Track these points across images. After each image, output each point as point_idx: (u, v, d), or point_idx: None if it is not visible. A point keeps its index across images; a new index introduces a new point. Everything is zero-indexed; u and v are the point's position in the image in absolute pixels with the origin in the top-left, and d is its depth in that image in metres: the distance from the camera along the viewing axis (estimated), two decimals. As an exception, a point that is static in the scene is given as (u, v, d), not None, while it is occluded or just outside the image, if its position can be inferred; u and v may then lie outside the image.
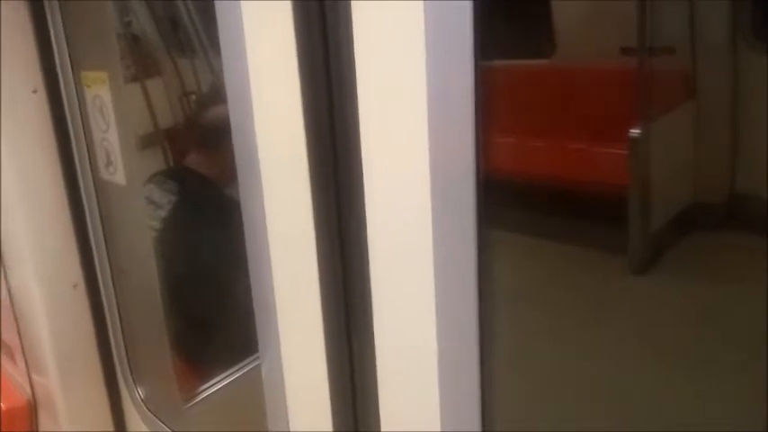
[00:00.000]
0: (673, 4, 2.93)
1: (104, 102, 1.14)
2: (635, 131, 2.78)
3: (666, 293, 2.74)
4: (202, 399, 1.25)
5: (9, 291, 1.47)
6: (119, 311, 1.18)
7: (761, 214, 2.79)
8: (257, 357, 1.35)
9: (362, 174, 0.63)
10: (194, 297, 1.67)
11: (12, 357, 1.59)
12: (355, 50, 0.60)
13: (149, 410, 1.21)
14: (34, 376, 1.35)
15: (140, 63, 2.32)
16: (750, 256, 2.80)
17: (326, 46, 0.64)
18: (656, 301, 2.72)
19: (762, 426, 1.82)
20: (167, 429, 1.21)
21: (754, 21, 2.74)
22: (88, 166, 1.32)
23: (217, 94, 2.58)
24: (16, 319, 1.46)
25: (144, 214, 1.47)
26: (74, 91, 1.29)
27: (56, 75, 1.40)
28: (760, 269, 2.58)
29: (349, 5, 0.61)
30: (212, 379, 1.31)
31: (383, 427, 0.70)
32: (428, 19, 0.55)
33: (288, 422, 0.80)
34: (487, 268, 0.63)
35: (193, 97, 2.76)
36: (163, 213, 1.86)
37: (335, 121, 0.65)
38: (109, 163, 1.11)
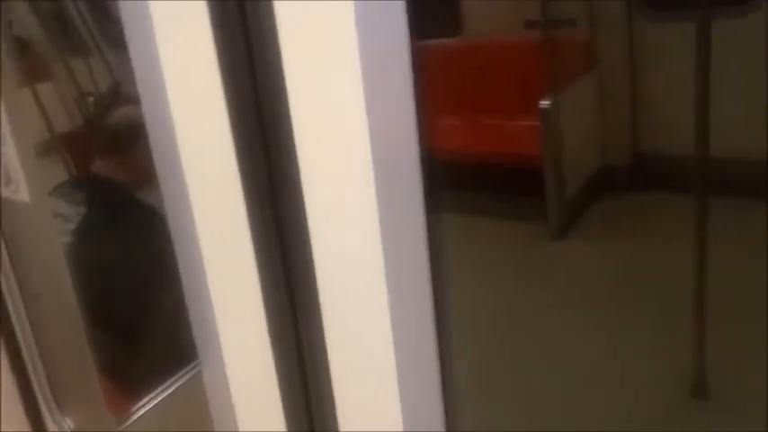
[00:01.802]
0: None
1: None
2: (545, 103, 2.87)
3: (585, 255, 2.87)
4: (137, 418, 1.19)
5: None
6: (35, 339, 1.10)
7: (663, 172, 2.95)
8: (193, 368, 1.30)
9: (298, 165, 0.60)
10: (116, 312, 1.59)
11: None
12: (280, 39, 0.57)
13: (82, 439, 1.15)
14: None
15: (28, 66, 2.16)
16: (656, 211, 2.97)
17: (248, 37, 0.60)
18: (577, 263, 2.83)
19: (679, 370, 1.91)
20: (102, 457, 1.16)
21: (646, -10, 2.88)
22: None
23: (118, 94, 2.45)
24: None
25: (56, 231, 1.38)
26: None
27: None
28: (666, 224, 2.74)
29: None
30: (145, 396, 1.26)
31: (341, 426, 0.67)
32: (358, 12, 0.53)
33: (237, 426, 0.76)
34: (439, 252, 0.62)
35: (91, 99, 2.61)
36: (72, 226, 1.75)
37: (264, 117, 0.62)
38: (9, 180, 1.03)
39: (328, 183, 0.60)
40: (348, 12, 0.53)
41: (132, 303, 1.65)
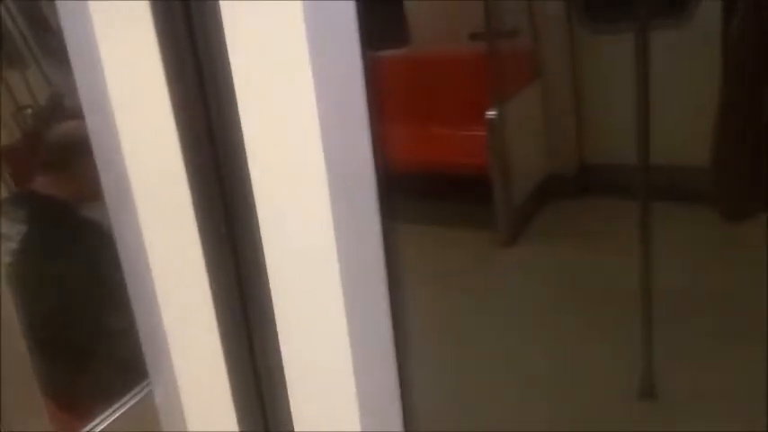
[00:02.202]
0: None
1: None
2: (491, 113, 2.93)
3: (534, 261, 2.92)
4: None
5: None
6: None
7: (607, 179, 3.04)
8: (141, 389, 1.26)
9: (250, 174, 0.59)
10: (60, 333, 1.53)
11: None
12: (228, 46, 0.56)
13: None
14: None
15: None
16: (601, 217, 3.05)
17: (195, 45, 0.59)
18: (526, 269, 2.87)
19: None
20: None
21: (586, 2, 2.97)
22: None
23: (57, 107, 2.38)
24: None
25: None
26: None
27: None
28: (611, 229, 2.81)
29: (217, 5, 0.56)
30: (93, 418, 1.21)
31: (296, 427, 0.66)
32: (307, 12, 0.52)
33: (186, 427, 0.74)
34: (394, 257, 0.62)
35: (29, 111, 2.52)
36: (13, 245, 1.68)
37: (214, 127, 0.61)
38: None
39: (281, 191, 0.59)
40: (298, 15, 0.52)
41: (76, 323, 1.60)
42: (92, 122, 0.68)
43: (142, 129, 0.64)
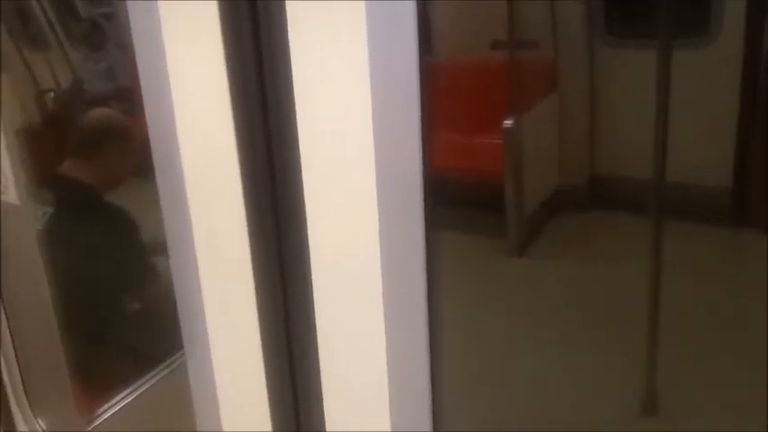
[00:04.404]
0: (535, 1, 3.12)
1: None
2: (508, 122, 2.95)
3: (542, 272, 2.93)
4: (105, 419, 1.18)
5: None
6: (12, 340, 1.07)
7: (619, 193, 3.05)
8: (161, 369, 1.29)
9: (300, 171, 0.62)
10: (83, 314, 1.56)
11: None
12: (291, 50, 0.59)
13: (53, 440, 1.13)
14: None
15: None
16: (611, 231, 3.06)
17: (259, 47, 0.62)
18: (534, 280, 2.89)
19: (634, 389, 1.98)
20: (75, 458, 1.14)
21: (607, 16, 2.99)
22: None
23: (79, 92, 2.41)
24: None
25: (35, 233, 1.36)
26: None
27: None
28: (620, 243, 2.83)
29: (283, 4, 0.59)
30: (113, 397, 1.24)
31: (328, 426, 0.69)
32: (370, 17, 0.55)
33: (220, 424, 0.76)
34: (434, 264, 0.64)
35: (51, 95, 2.55)
36: (38, 226, 1.71)
37: (270, 123, 0.63)
38: (-5, 182, 1.01)
39: (329, 187, 0.62)
40: (359, 20, 0.54)
41: (98, 305, 1.63)
42: (150, 110, 0.71)
43: (200, 125, 0.67)
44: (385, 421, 0.68)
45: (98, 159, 1.76)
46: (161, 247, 1.68)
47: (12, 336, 1.09)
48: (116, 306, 1.69)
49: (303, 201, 0.66)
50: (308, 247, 0.67)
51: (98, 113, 1.85)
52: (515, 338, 2.40)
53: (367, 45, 0.58)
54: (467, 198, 3.17)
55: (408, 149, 0.60)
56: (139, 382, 1.29)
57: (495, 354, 2.33)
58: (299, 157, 0.64)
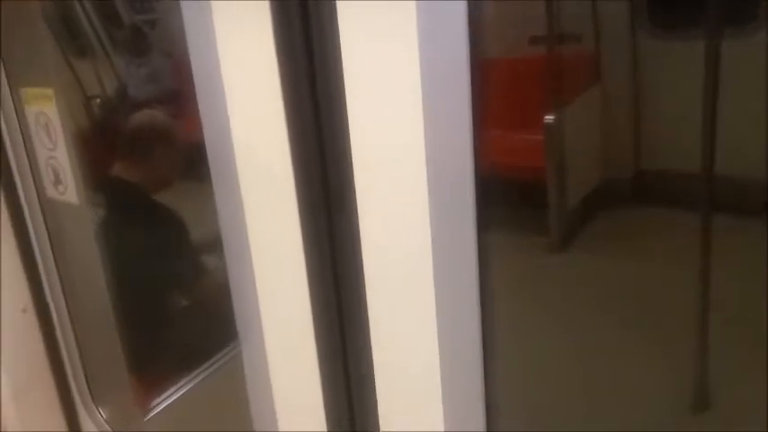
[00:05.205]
0: (575, -6, 3.08)
1: (50, 119, 1.06)
2: (549, 117, 2.92)
3: (586, 268, 2.89)
4: (160, 410, 1.22)
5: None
6: (75, 333, 1.12)
7: (663, 188, 3.00)
8: (212, 364, 1.32)
9: (352, 168, 0.63)
10: (138, 308, 1.62)
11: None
12: (342, 49, 0.60)
13: (114, 429, 1.16)
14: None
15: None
16: (656, 227, 3.00)
17: (310, 46, 0.63)
18: (578, 276, 2.85)
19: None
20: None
21: (650, 8, 2.93)
22: (33, 186, 1.22)
23: (124, 98, 2.47)
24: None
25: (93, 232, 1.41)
26: (12, 110, 1.20)
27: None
28: (665, 239, 2.77)
29: (334, 4, 0.60)
30: (167, 389, 1.28)
31: (382, 426, 0.69)
32: (421, 16, 0.56)
33: (276, 423, 0.78)
34: (487, 264, 0.65)
35: (98, 101, 2.62)
36: (92, 227, 1.77)
37: (322, 120, 0.64)
38: (58, 182, 1.05)
39: (381, 185, 0.62)
40: (411, 19, 0.55)
41: (150, 301, 1.68)
42: (206, 118, 0.73)
43: (254, 125, 0.69)
44: (439, 421, 0.69)
45: (146, 160, 1.81)
46: (209, 247, 1.71)
47: (74, 330, 1.13)
48: (167, 302, 1.73)
49: (355, 199, 0.67)
50: (360, 246, 0.68)
51: (144, 116, 1.90)
52: (556, 334, 2.39)
53: (418, 43, 0.59)
54: (509, 195, 3.15)
55: (459, 147, 0.61)
56: (191, 375, 1.33)
57: (542, 351, 2.31)
58: (350, 154, 0.66)
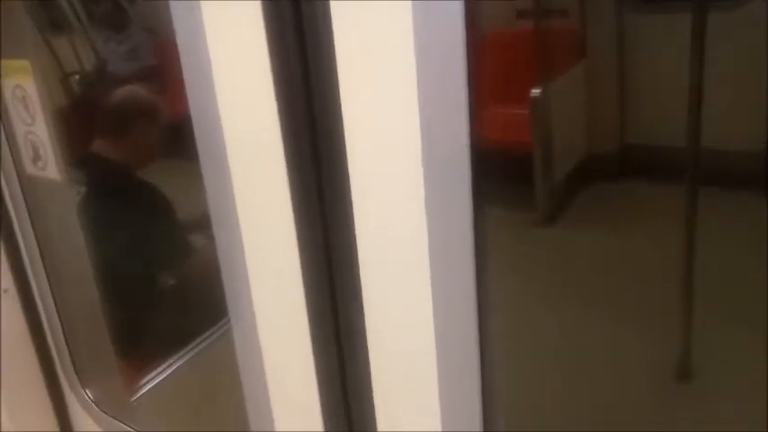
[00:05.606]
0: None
1: (27, 93, 1.03)
2: (535, 91, 2.91)
3: (573, 241, 2.91)
4: (147, 391, 1.21)
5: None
6: (58, 313, 1.10)
7: (649, 161, 3.01)
8: (200, 343, 1.31)
9: (346, 154, 0.62)
10: (122, 287, 1.60)
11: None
12: (334, 26, 0.58)
13: (102, 410, 1.16)
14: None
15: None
16: (641, 200, 3.02)
17: (301, 22, 0.61)
18: (565, 250, 2.87)
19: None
20: (125, 427, 1.16)
21: (634, -20, 2.91)
22: (11, 162, 1.20)
23: (103, 74, 2.42)
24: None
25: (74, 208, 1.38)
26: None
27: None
28: (651, 212, 2.79)
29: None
30: (154, 370, 1.28)
31: (379, 426, 0.69)
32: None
33: (273, 423, 0.77)
34: (483, 252, 0.64)
35: (76, 78, 2.57)
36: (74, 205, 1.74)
37: (314, 97, 0.63)
38: (37, 158, 1.02)
39: (375, 164, 0.61)
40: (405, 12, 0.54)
41: (134, 280, 1.66)
42: (193, 98, 0.71)
43: (242, 97, 0.67)
44: (436, 421, 0.69)
45: (127, 136, 1.79)
46: (195, 225, 1.69)
47: (58, 311, 1.12)
48: (152, 281, 1.72)
49: (348, 178, 0.66)
50: (353, 227, 0.67)
51: (124, 91, 1.87)
52: (541, 308, 2.41)
53: (412, 25, 0.58)
54: (496, 171, 3.14)
55: (455, 128, 0.60)
56: (180, 354, 1.32)
57: (520, 324, 2.33)
58: (343, 133, 0.65)
